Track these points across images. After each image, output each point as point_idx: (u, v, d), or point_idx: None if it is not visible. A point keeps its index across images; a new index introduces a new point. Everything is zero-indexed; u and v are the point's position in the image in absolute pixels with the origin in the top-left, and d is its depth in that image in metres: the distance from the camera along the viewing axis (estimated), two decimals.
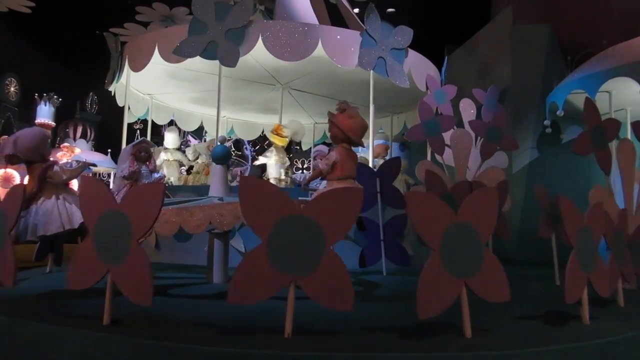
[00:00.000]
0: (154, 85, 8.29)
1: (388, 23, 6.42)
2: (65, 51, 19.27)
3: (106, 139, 20.43)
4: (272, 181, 7.43)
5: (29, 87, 18.21)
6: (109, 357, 2.18)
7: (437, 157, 6.41)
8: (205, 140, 10.77)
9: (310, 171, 8.04)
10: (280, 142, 7.94)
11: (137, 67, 6.59)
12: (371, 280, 4.60)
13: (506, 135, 6.27)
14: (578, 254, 2.75)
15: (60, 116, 19.01)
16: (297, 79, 8.10)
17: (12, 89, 16.99)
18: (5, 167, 3.41)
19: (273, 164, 7.90)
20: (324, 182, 5.07)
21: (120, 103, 8.12)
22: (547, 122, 7.43)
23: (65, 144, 17.04)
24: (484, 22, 13.35)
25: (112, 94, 7.91)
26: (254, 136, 10.81)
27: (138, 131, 23.20)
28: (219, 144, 4.52)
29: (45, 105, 13.72)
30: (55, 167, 3.30)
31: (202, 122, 10.17)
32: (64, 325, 2.37)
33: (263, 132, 10.62)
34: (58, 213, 3.16)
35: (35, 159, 3.33)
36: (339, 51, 6.15)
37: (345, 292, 2.29)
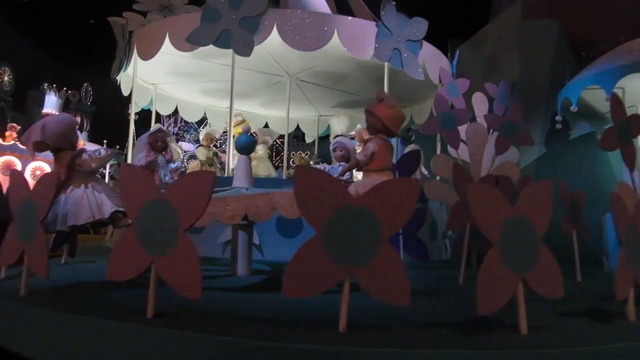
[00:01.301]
0: (159, 75, 8.14)
1: (403, 14, 6.33)
2: (60, 41, 18.94)
3: (101, 130, 20.20)
4: None
5: (22, 76, 17.87)
6: (158, 352, 2.09)
7: (451, 150, 6.34)
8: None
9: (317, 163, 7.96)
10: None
11: (146, 55, 6.45)
12: None
13: (521, 130, 6.21)
14: (627, 250, 2.70)
15: None
16: (305, 71, 8.00)
17: (6, 78, 16.66)
18: (33, 155, 3.27)
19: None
20: (344, 173, 5.00)
21: (125, 93, 7.97)
22: (559, 118, 7.40)
23: None
24: (484, 16, 13.26)
25: (118, 84, 7.75)
26: (256, 128, 10.68)
27: (133, 122, 22.86)
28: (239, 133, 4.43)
29: (55, 96, 13.46)
30: (84, 155, 3.17)
31: (205, 113, 10.04)
32: (107, 318, 2.27)
33: (267, 124, 10.52)
34: (88, 202, 3.03)
35: (63, 146, 3.19)
36: (354, 42, 6.06)
37: (402, 286, 2.22)
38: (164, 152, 4.74)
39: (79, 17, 19.48)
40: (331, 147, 5.25)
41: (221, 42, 5.84)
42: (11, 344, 2.50)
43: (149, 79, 8.34)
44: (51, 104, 13.78)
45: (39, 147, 3.11)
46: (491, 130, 6.48)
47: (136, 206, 2.36)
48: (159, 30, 6.32)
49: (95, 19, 19.99)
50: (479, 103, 7.16)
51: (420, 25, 6.43)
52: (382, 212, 2.20)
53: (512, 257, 2.27)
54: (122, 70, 7.03)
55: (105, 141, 18.26)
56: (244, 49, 5.78)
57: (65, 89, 16.26)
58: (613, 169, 8.38)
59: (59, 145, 3.16)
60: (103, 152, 3.36)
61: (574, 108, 6.83)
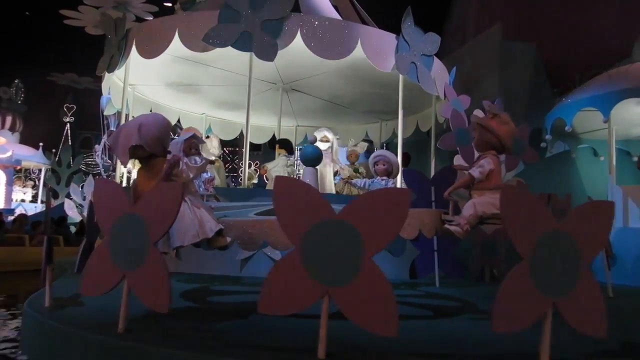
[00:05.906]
0: (138, 76, 7.51)
1: (420, 28, 6.29)
2: None
3: (31, 131, 18.50)
4: None
5: None
6: None
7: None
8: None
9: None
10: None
11: (150, 54, 5.89)
12: (448, 294, 4.39)
13: (528, 148, 6.40)
14: None
15: None
16: (300, 80, 7.75)
17: None
18: (126, 163, 2.73)
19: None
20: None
21: (104, 92, 7.31)
22: (549, 137, 7.70)
23: None
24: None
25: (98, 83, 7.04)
26: (231, 136, 10.22)
27: (68, 124, 21.29)
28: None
29: None
30: (181, 164, 2.69)
31: (179, 119, 9.44)
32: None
33: (241, 133, 10.08)
34: (190, 219, 2.57)
35: (158, 152, 2.68)
36: (376, 53, 5.91)
37: (600, 317, 2.07)
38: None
39: (11, 7, 17.86)
40: (371, 160, 5.03)
41: (240, 44, 5.46)
42: None
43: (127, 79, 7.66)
44: None
45: (135, 153, 2.60)
46: None
47: (301, 229, 2.03)
48: (167, 28, 5.80)
49: (30, 10, 18.36)
50: None
51: (434, 41, 6.43)
52: (582, 236, 2.05)
53: None
54: (117, 68, 6.38)
55: (41, 144, 16.74)
56: (267, 54, 5.44)
57: None
58: (585, 187, 8.85)
59: (155, 150, 2.66)
60: (199, 160, 2.91)
61: (568, 128, 7.13)
